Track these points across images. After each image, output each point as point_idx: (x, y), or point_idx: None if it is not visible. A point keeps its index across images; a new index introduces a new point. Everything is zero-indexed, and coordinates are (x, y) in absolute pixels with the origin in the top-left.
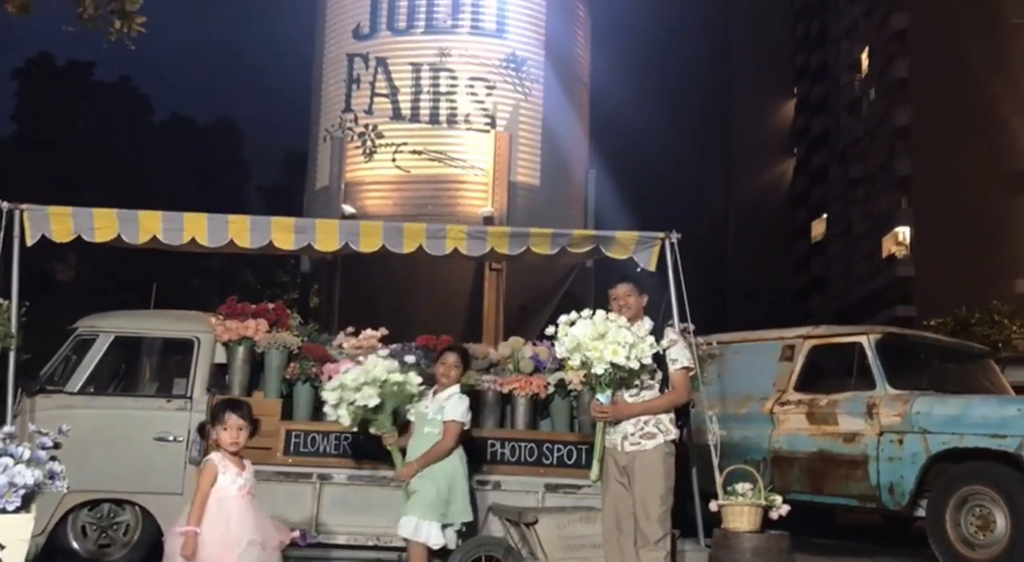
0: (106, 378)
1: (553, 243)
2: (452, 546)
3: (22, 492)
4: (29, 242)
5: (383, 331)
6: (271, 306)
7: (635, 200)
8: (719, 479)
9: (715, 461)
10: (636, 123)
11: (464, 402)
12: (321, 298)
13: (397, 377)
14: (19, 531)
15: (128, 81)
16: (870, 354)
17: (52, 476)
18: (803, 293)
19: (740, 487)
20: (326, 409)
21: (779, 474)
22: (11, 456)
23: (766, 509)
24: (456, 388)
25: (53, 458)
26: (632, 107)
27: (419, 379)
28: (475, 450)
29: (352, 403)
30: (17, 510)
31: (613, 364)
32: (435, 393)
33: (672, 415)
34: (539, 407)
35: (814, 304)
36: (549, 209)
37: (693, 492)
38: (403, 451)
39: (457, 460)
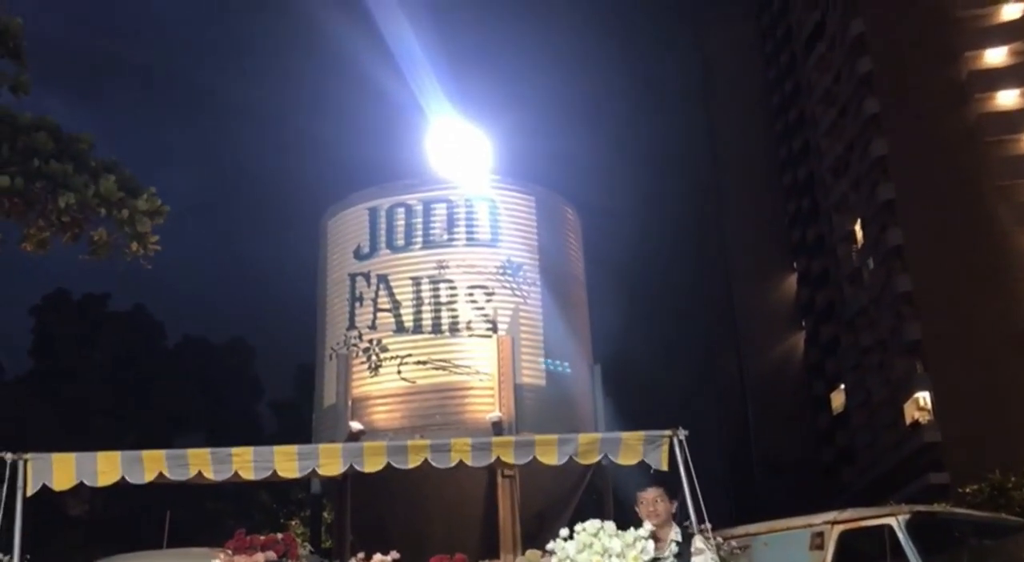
0: None
1: (560, 453)
2: None
3: None
4: (30, 492)
5: (394, 554)
6: (280, 537)
7: (646, 390)
8: None
9: None
10: (638, 314)
11: None
12: (334, 514)
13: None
14: None
15: (142, 309)
16: (901, 536)
17: None
18: (832, 466)
19: None
20: None
21: None
22: None
23: None
24: None
25: None
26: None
27: None
28: None
29: None
30: None
31: None
32: None
33: None
34: None
35: (845, 476)
36: (556, 408)
37: None
38: None
39: None
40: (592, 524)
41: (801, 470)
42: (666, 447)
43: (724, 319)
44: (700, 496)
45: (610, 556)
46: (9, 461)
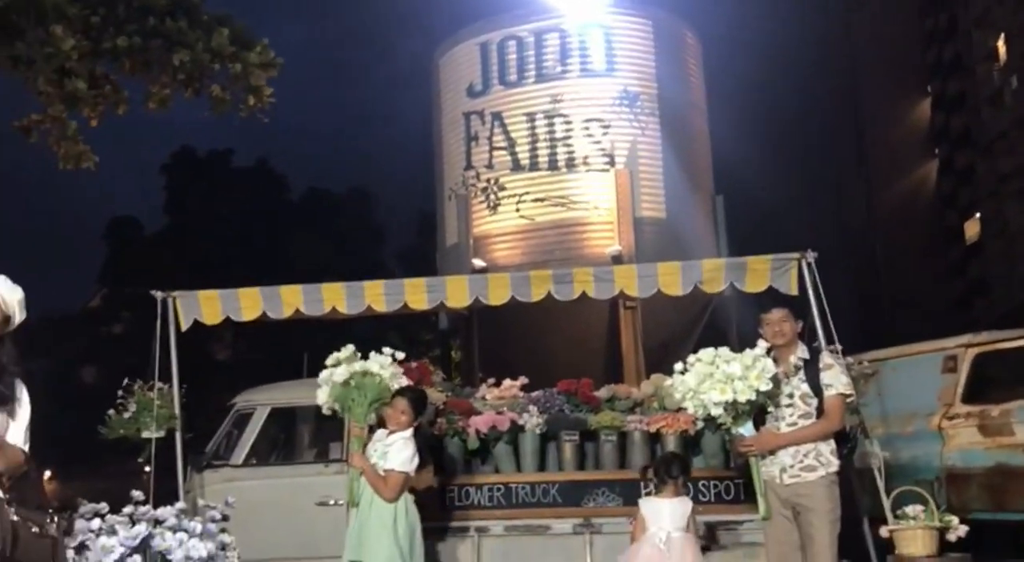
0: (267, 449)
1: (684, 281)
2: None
3: None
4: (184, 327)
5: (523, 380)
6: (415, 365)
7: (770, 221)
8: (887, 503)
9: (881, 484)
10: (763, 142)
11: (408, 448)
12: (461, 352)
13: (387, 374)
14: None
15: (264, 163)
16: None
17: (223, 547)
18: (964, 299)
19: (911, 510)
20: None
21: (955, 493)
22: (185, 531)
23: (942, 532)
24: (405, 433)
25: (223, 530)
26: (756, 127)
27: (394, 439)
28: (627, 490)
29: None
30: None
31: (728, 402)
32: (389, 434)
33: (832, 446)
34: (690, 443)
35: (978, 309)
36: (678, 241)
37: (861, 520)
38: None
39: (395, 510)
40: (707, 353)
41: (931, 303)
42: (794, 271)
43: (852, 148)
44: (830, 318)
45: (732, 380)
46: (159, 298)
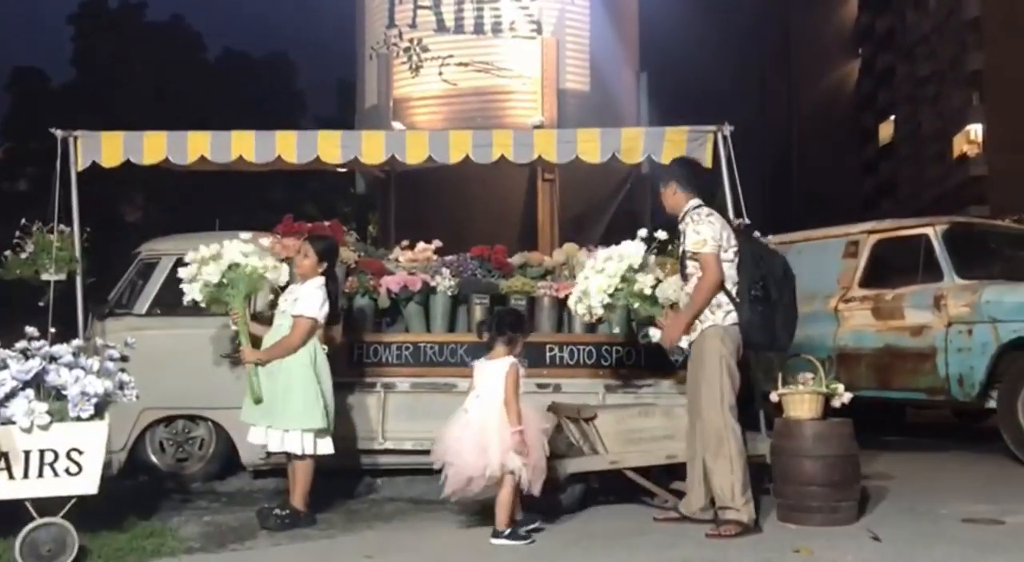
0: (171, 299)
1: (603, 149)
2: (316, 451)
3: (94, 401)
4: (80, 167)
5: (437, 243)
6: (327, 223)
7: (691, 107)
8: (779, 370)
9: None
10: (690, 24)
11: (318, 295)
12: (378, 220)
13: (254, 261)
14: (95, 437)
15: (180, 20)
16: (937, 245)
17: (122, 386)
18: (872, 199)
19: (800, 377)
20: (182, 287)
21: (845, 371)
22: (82, 368)
23: (828, 399)
24: (316, 280)
25: (123, 370)
26: (685, 8)
27: (277, 268)
28: (534, 353)
29: (199, 276)
30: (91, 418)
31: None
32: (301, 285)
33: (722, 297)
34: None
35: (885, 208)
36: (601, 115)
37: (755, 393)
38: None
39: (305, 359)
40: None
41: (840, 201)
42: (710, 144)
43: (779, 39)
44: (740, 193)
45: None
46: (60, 137)
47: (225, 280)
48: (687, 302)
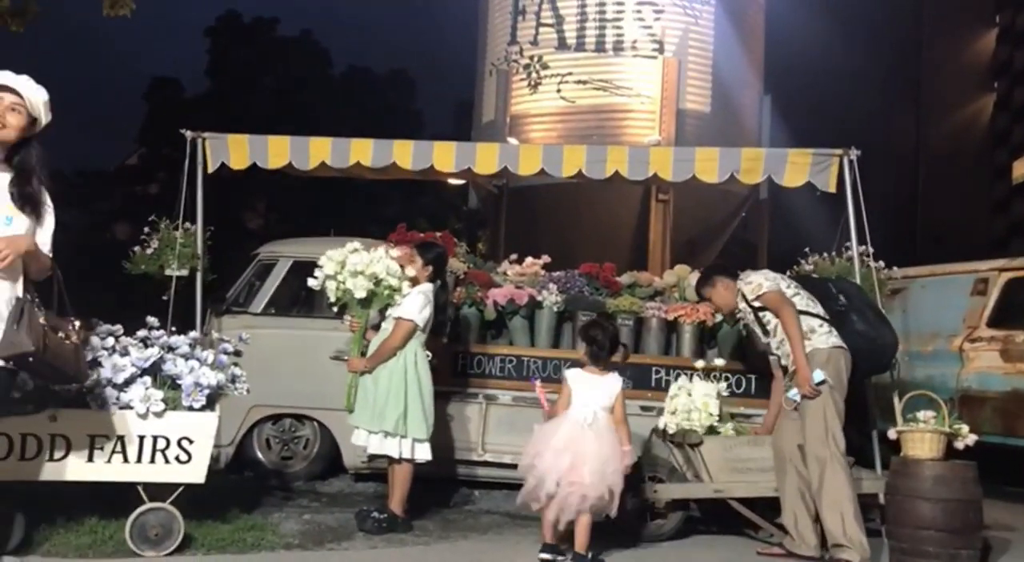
0: (286, 300)
1: (721, 169)
2: (415, 457)
3: (206, 392)
4: (211, 168)
5: (545, 259)
6: (439, 234)
7: (813, 134)
8: (898, 406)
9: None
10: (817, 51)
11: (419, 299)
12: (488, 235)
13: (393, 281)
14: (205, 428)
15: (309, 35)
16: None
17: (234, 379)
18: (1002, 240)
19: (922, 414)
20: (316, 274)
21: (968, 415)
22: (197, 359)
23: (950, 439)
24: (421, 286)
25: (235, 364)
26: (813, 33)
27: (410, 291)
28: (640, 375)
29: (343, 283)
30: (203, 408)
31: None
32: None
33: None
34: (706, 336)
35: (1014, 250)
36: (720, 137)
37: (872, 430)
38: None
39: (408, 364)
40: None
41: (967, 241)
42: (835, 168)
43: (909, 72)
44: (866, 220)
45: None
46: (189, 139)
47: (365, 294)
48: (786, 350)
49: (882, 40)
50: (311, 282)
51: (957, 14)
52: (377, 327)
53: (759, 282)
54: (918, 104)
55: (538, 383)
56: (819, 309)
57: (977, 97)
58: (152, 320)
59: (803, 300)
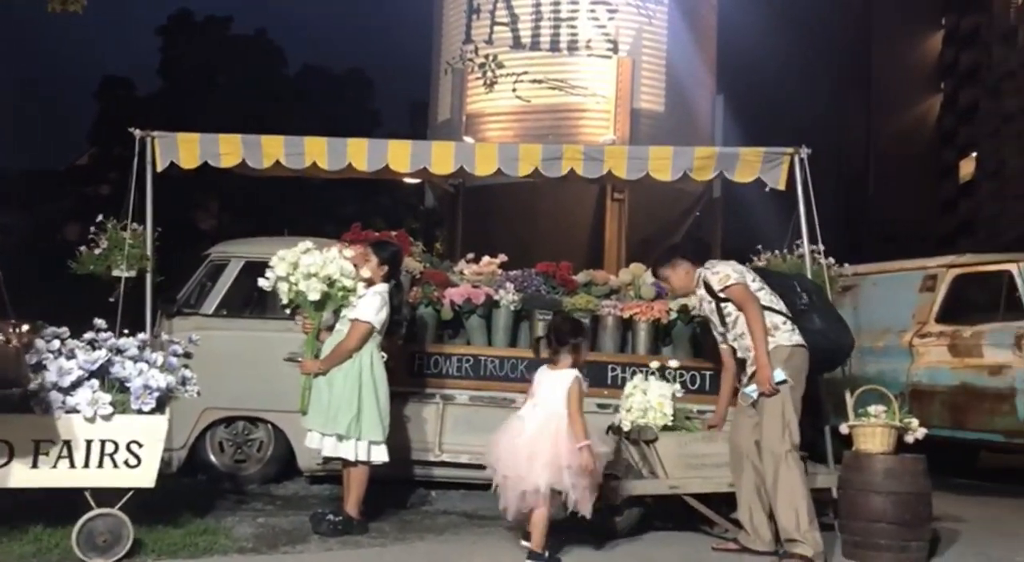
0: (239, 301)
1: (674, 167)
2: (371, 459)
3: (156, 395)
4: (159, 167)
5: (502, 258)
6: (394, 233)
7: (766, 133)
8: (850, 401)
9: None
10: (768, 51)
11: (375, 300)
12: (445, 235)
13: (347, 283)
14: (155, 431)
15: (264, 34)
16: (1020, 282)
17: (184, 382)
18: (949, 238)
19: (873, 409)
20: (267, 275)
21: (918, 409)
22: (146, 362)
23: (901, 433)
24: (376, 287)
25: (186, 366)
26: (764, 33)
27: (365, 291)
28: (596, 373)
29: (295, 284)
30: (152, 411)
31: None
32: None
33: (775, 319)
34: (660, 334)
35: (962, 248)
36: (674, 136)
37: (824, 424)
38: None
39: (363, 366)
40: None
41: (916, 240)
42: (786, 166)
43: (859, 73)
44: (816, 218)
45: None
46: (138, 137)
47: (319, 296)
48: (744, 344)
49: (833, 41)
50: (262, 283)
51: (905, 16)
52: (331, 328)
53: (727, 273)
54: (868, 104)
55: None
56: (781, 305)
57: (925, 98)
58: (100, 322)
59: (767, 295)
